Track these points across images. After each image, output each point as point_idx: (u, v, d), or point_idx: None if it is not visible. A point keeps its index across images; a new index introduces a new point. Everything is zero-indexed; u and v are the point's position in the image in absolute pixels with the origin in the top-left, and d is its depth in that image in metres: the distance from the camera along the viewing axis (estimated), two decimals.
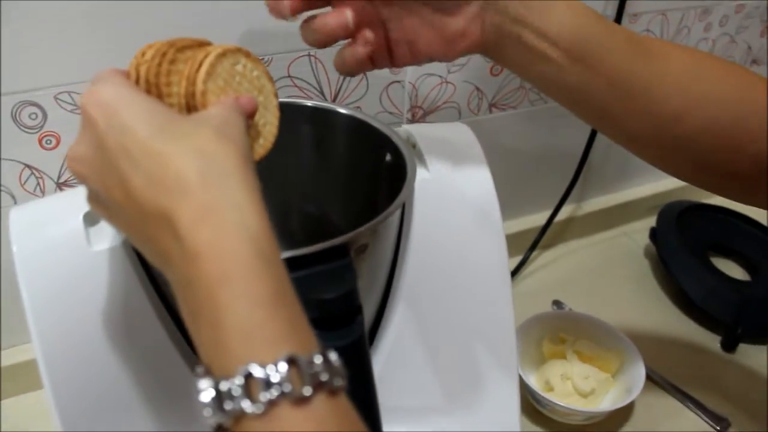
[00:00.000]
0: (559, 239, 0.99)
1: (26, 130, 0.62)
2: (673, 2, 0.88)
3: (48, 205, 0.48)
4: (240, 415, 0.29)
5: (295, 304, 0.32)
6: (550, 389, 0.72)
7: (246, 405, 0.29)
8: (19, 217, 0.46)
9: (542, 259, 0.97)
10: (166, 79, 0.39)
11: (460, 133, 0.58)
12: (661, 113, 0.49)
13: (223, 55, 0.40)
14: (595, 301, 0.87)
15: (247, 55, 0.42)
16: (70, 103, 0.63)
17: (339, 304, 0.41)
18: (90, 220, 0.47)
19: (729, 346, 0.82)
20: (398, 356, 0.53)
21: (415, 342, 0.55)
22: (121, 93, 0.35)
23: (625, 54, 0.47)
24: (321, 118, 0.57)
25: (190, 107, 0.40)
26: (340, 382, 0.30)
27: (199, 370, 0.31)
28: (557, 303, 0.87)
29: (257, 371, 0.29)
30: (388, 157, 0.55)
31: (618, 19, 0.82)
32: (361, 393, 0.43)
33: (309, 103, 0.59)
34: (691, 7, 0.90)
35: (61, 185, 0.66)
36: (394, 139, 0.54)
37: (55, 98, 0.62)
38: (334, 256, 0.43)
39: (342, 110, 0.56)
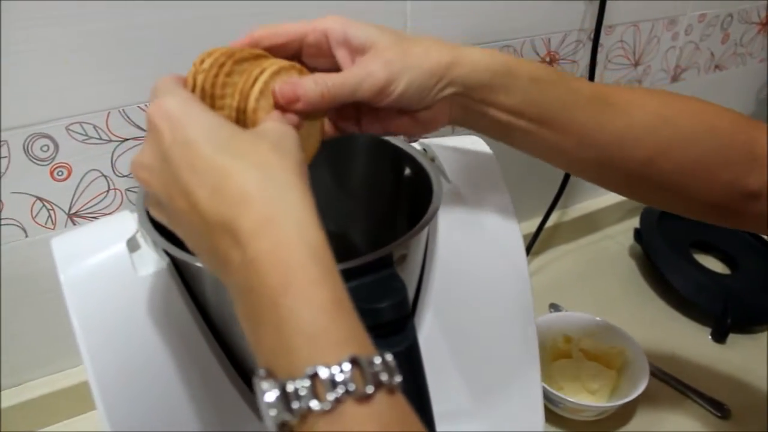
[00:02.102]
0: (548, 245, 1.03)
1: (38, 162, 0.62)
2: (643, 13, 0.93)
3: (88, 233, 0.48)
4: (307, 413, 0.30)
5: (352, 311, 0.33)
6: (561, 388, 0.74)
7: (313, 404, 0.30)
8: (61, 246, 0.47)
9: (534, 265, 1.00)
10: (221, 91, 0.40)
11: (473, 145, 0.60)
12: (633, 159, 0.50)
13: (278, 73, 0.41)
14: (588, 302, 0.90)
15: (301, 71, 0.43)
16: (82, 134, 0.63)
17: (392, 312, 0.43)
18: (132, 246, 0.47)
19: (720, 336, 0.86)
20: (427, 362, 0.55)
21: (443, 347, 0.57)
22: (186, 106, 0.37)
23: (590, 112, 0.49)
24: (340, 137, 0.59)
25: (240, 121, 0.41)
26: (396, 380, 0.32)
27: (261, 372, 0.32)
28: (554, 306, 0.90)
29: (323, 372, 0.30)
30: (407, 172, 0.57)
31: (597, 31, 0.86)
32: (416, 396, 0.44)
33: None
34: (659, 18, 0.95)
35: (72, 216, 0.66)
36: (414, 154, 0.56)
37: (67, 129, 0.62)
38: (381, 267, 0.45)
39: None
